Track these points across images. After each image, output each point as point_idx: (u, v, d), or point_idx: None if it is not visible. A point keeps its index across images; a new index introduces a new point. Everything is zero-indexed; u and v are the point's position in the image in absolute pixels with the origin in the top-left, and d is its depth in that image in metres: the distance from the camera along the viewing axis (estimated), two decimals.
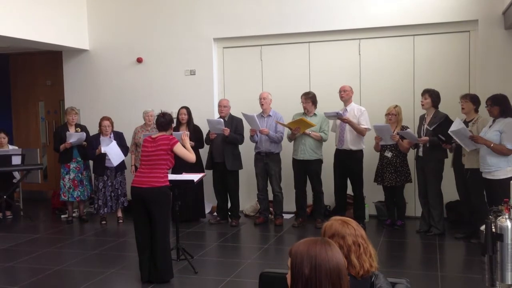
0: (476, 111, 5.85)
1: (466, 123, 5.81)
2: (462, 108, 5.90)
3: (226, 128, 6.89)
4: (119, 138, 7.35)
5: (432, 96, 6.13)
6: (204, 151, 7.27)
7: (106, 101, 8.31)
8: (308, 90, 6.94)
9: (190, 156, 4.98)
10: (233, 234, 6.71)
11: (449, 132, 5.65)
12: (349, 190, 6.86)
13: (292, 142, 6.88)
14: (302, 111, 6.82)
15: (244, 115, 6.89)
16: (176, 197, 5.34)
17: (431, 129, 5.96)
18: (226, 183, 7.13)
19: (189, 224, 7.03)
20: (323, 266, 1.81)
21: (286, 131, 6.92)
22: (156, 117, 5.20)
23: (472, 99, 5.82)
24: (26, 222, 7.76)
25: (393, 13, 7.03)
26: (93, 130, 7.53)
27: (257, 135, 6.95)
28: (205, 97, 7.85)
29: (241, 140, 7.09)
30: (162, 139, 4.89)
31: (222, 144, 6.99)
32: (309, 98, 6.74)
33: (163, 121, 5.03)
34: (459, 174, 5.98)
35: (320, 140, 6.75)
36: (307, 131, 6.65)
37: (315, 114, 6.78)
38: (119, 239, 6.59)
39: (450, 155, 6.23)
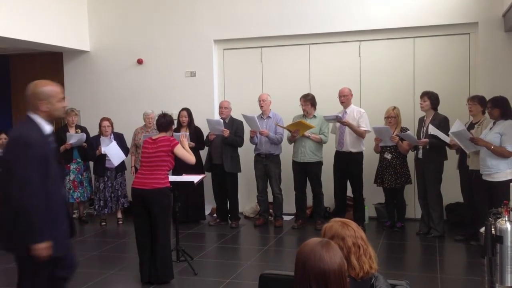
0: (484, 113, 5.82)
1: (472, 125, 5.82)
2: (470, 110, 5.89)
3: (225, 129, 6.89)
4: (119, 139, 7.35)
5: (431, 98, 6.14)
6: (204, 153, 7.27)
7: (106, 102, 8.30)
8: (307, 92, 6.93)
9: (190, 158, 4.98)
10: (233, 235, 6.71)
11: (449, 133, 5.65)
12: (349, 192, 6.86)
13: (292, 144, 6.88)
14: (302, 113, 6.82)
15: (244, 116, 6.89)
16: (176, 198, 5.34)
17: (429, 133, 5.95)
18: (225, 185, 7.13)
19: (189, 225, 7.03)
20: (310, 269, 1.87)
21: (286, 133, 6.92)
22: (156, 118, 5.20)
23: (480, 101, 5.79)
24: None
25: (393, 15, 7.04)
26: (93, 132, 7.53)
27: (257, 137, 6.95)
28: (205, 99, 7.84)
29: (240, 143, 7.09)
30: (162, 140, 4.90)
31: (221, 146, 6.98)
32: (308, 101, 6.73)
33: (164, 122, 5.04)
34: (465, 176, 5.97)
35: (320, 142, 6.74)
36: (307, 133, 6.64)
37: (314, 116, 6.77)
38: (119, 240, 6.59)
39: (450, 157, 6.23)
